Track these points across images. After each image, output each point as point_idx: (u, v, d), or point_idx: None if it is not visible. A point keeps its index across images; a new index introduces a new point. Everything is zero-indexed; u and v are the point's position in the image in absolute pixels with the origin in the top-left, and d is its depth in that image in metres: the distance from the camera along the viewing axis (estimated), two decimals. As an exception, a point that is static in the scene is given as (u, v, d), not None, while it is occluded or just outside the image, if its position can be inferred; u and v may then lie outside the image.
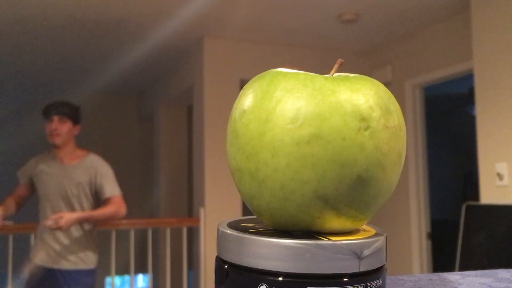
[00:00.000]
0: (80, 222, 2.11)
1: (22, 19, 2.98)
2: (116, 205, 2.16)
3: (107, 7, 2.84)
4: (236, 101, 0.29)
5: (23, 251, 3.08)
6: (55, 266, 2.10)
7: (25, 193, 2.22)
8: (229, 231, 0.26)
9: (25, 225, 3.08)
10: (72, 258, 2.12)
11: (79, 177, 2.15)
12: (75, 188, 2.13)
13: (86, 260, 2.16)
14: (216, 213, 3.27)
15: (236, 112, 0.28)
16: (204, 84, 3.36)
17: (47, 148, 2.26)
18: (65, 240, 2.11)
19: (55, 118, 2.13)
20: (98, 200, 2.21)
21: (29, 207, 2.51)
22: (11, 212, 2.18)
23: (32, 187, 2.21)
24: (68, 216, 2.04)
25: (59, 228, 2.04)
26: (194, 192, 3.61)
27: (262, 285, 0.24)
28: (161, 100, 4.56)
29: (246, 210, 3.38)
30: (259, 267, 0.24)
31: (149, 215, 4.79)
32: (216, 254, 0.28)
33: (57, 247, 2.11)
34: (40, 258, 2.12)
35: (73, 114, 2.20)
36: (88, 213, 2.13)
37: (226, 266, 0.26)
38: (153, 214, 4.73)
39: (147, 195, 4.88)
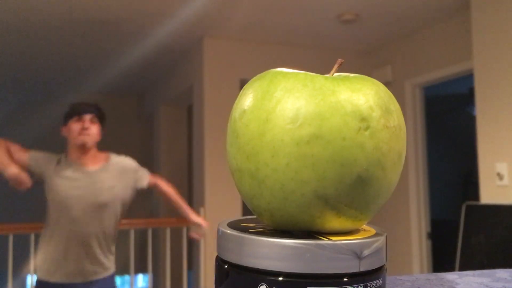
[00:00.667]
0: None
1: (22, 20, 2.98)
2: (163, 182, 2.18)
3: (107, 8, 2.84)
4: (236, 101, 0.29)
5: (23, 251, 3.08)
6: (83, 280, 1.90)
7: (22, 164, 1.91)
8: (229, 231, 0.26)
9: (25, 225, 3.08)
10: (99, 267, 1.94)
11: (110, 181, 1.96)
12: (107, 192, 1.94)
13: (110, 266, 2.00)
14: (216, 213, 3.27)
15: (236, 112, 0.28)
16: (204, 84, 3.36)
17: (51, 148, 2.09)
18: (94, 252, 1.92)
19: (87, 117, 1.95)
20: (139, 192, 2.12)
21: (29, 207, 2.50)
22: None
23: (31, 177, 1.88)
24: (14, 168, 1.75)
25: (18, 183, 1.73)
26: (194, 192, 3.61)
27: (262, 285, 0.24)
28: (161, 100, 4.56)
29: (246, 210, 3.38)
30: (259, 267, 0.24)
31: (149, 215, 4.79)
32: (216, 254, 0.28)
33: (86, 259, 1.90)
34: (64, 274, 1.88)
35: (102, 117, 2.04)
36: (183, 204, 2.19)
37: (226, 266, 0.26)
38: (153, 214, 4.72)
39: (147, 195, 4.87)
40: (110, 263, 1.99)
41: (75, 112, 1.97)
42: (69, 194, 1.89)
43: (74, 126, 1.94)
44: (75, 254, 1.88)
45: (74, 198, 1.88)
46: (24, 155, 1.92)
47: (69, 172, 1.92)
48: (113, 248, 2.04)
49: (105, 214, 1.94)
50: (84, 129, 1.93)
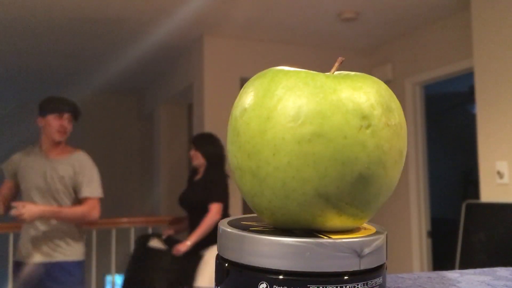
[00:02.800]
0: (45, 216, 2.00)
1: (21, 19, 2.98)
2: (89, 207, 2.07)
3: (107, 6, 2.83)
4: (237, 99, 0.29)
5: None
6: (43, 260, 2.04)
7: (11, 190, 2.12)
8: (229, 229, 0.26)
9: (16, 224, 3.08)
10: (60, 250, 2.06)
11: (63, 171, 2.07)
12: (58, 182, 2.06)
13: (74, 251, 2.10)
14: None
15: (237, 110, 0.28)
16: (204, 82, 3.36)
17: (32, 142, 2.19)
18: (52, 233, 2.06)
19: (66, 116, 2.11)
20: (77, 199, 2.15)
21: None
22: None
23: (17, 183, 2.12)
24: (30, 207, 1.93)
25: (21, 218, 1.91)
26: (194, 190, 3.61)
27: (263, 283, 0.24)
28: (161, 98, 4.56)
29: (246, 208, 3.38)
30: (259, 265, 0.24)
31: (150, 213, 4.79)
32: (216, 252, 0.28)
33: (44, 240, 2.05)
34: (27, 254, 2.05)
35: (78, 114, 2.18)
36: (53, 208, 2.02)
37: (226, 265, 0.26)
38: (153, 212, 4.73)
39: (147, 193, 4.88)
40: (75, 250, 2.10)
41: (56, 108, 2.12)
42: (30, 181, 2.06)
43: (54, 122, 2.10)
44: (36, 237, 2.05)
45: (33, 184, 2.05)
46: (4, 185, 2.13)
47: (32, 161, 2.10)
48: (80, 236, 2.15)
49: (61, 202, 2.07)
50: (63, 127, 2.09)
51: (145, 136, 5.17)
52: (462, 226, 2.22)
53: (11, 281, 2.92)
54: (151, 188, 4.79)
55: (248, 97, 0.28)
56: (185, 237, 2.47)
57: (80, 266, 2.14)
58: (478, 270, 0.42)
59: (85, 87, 4.70)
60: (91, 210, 2.07)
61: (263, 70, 0.30)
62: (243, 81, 3.36)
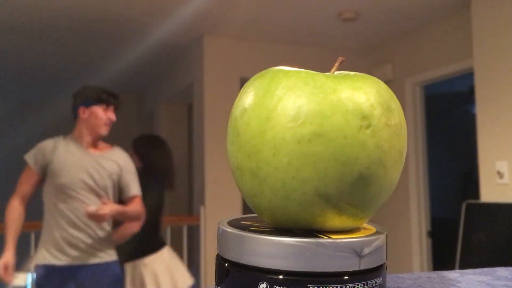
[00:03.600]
0: (117, 216, 1.89)
1: (21, 19, 2.98)
2: (140, 205, 1.99)
3: (107, 6, 2.83)
4: (237, 99, 0.29)
5: (23, 250, 3.08)
6: (84, 263, 1.87)
7: (35, 185, 1.91)
8: (229, 229, 0.26)
9: (25, 223, 3.07)
10: (100, 253, 1.91)
11: (110, 168, 1.93)
12: (107, 178, 1.91)
13: (111, 253, 1.96)
14: (217, 211, 3.27)
15: (237, 110, 0.28)
16: (204, 82, 3.36)
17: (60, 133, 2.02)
18: (92, 238, 1.89)
19: (112, 108, 1.98)
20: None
21: (29, 206, 2.48)
22: (19, 232, 1.88)
23: (43, 177, 1.89)
24: (111, 206, 1.83)
25: (100, 217, 1.79)
26: (194, 190, 3.61)
27: (263, 283, 0.24)
28: (161, 98, 4.56)
29: (246, 209, 3.38)
30: (259, 265, 0.24)
31: (149, 213, 4.79)
32: (216, 253, 0.28)
33: (87, 242, 1.88)
34: (66, 257, 1.86)
35: (119, 108, 2.05)
36: (124, 207, 1.91)
37: (226, 265, 0.26)
38: (153, 212, 4.72)
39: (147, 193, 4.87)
40: (110, 249, 1.96)
41: (104, 100, 1.96)
42: (79, 177, 1.86)
43: (101, 114, 1.93)
44: (75, 238, 1.86)
45: (82, 180, 1.87)
46: (28, 177, 1.90)
47: (76, 155, 1.90)
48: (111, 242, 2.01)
49: (103, 199, 1.91)
50: (110, 121, 1.95)
51: (145, 136, 5.16)
52: (462, 226, 2.22)
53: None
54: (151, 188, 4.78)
55: (248, 97, 0.28)
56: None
57: (117, 265, 1.99)
58: (478, 270, 0.42)
59: (85, 87, 4.69)
60: (142, 209, 1.99)
61: (263, 70, 0.30)
62: (243, 81, 3.36)
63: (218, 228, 0.28)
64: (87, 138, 1.94)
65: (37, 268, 1.86)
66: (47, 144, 1.91)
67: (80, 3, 2.78)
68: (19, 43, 3.47)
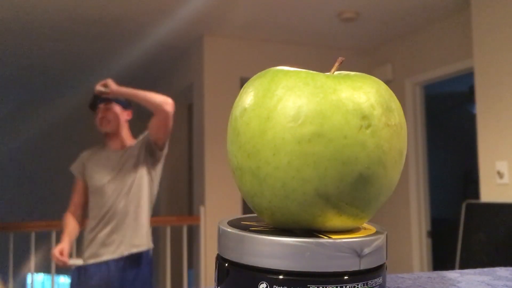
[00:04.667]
0: (127, 94, 1.99)
1: (22, 19, 2.98)
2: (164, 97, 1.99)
3: (107, 6, 2.83)
4: (237, 99, 0.29)
5: (23, 250, 3.08)
6: (111, 257, 1.95)
7: (85, 190, 2.04)
8: (229, 230, 0.26)
9: (26, 224, 3.08)
10: (128, 242, 1.97)
11: (133, 155, 2.01)
12: (131, 166, 1.99)
13: (142, 241, 2.02)
14: (217, 211, 3.27)
15: (237, 110, 0.28)
16: (204, 82, 3.36)
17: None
18: (121, 225, 1.97)
19: (101, 107, 2.04)
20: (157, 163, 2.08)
21: (29, 207, 2.51)
22: (75, 237, 2.04)
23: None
24: (113, 84, 1.95)
25: (107, 92, 1.92)
26: (194, 190, 3.61)
27: (263, 283, 0.24)
28: (161, 98, 4.56)
29: (246, 209, 3.38)
30: (259, 265, 0.24)
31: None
32: (216, 253, 0.28)
33: (112, 234, 1.96)
34: (93, 252, 1.96)
35: (119, 98, 2.08)
36: (133, 90, 2.01)
37: (226, 265, 0.26)
38: (153, 212, 4.72)
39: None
40: (138, 239, 2.01)
41: (91, 107, 2.08)
42: (102, 176, 1.99)
43: (95, 118, 2.06)
44: (113, 233, 1.96)
45: (105, 178, 1.99)
46: (77, 186, 2.06)
47: (100, 158, 2.03)
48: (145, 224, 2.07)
49: (132, 190, 1.99)
50: (100, 119, 2.03)
51: (145, 136, 5.16)
52: (462, 226, 2.22)
53: (11, 281, 2.92)
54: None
55: (248, 97, 0.28)
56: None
57: (149, 255, 2.05)
58: (477, 270, 0.42)
59: (85, 87, 4.70)
60: (167, 99, 1.98)
61: (263, 70, 0.30)
62: (243, 81, 3.36)
63: (218, 228, 0.28)
64: (104, 139, 2.08)
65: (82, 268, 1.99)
66: (84, 153, 2.11)
67: (80, 4, 2.78)
68: (19, 43, 3.47)
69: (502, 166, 2.38)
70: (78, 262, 2.01)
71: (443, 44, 3.10)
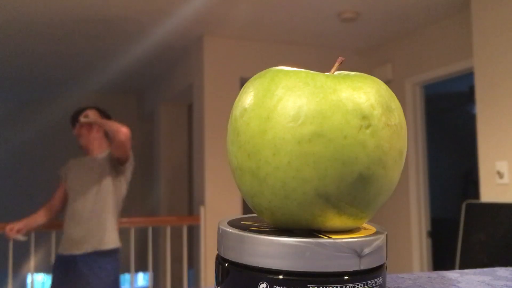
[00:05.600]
0: (98, 122, 2.35)
1: (21, 18, 2.97)
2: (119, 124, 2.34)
3: (107, 6, 2.83)
4: (237, 99, 0.29)
5: (23, 250, 3.08)
6: (77, 252, 2.26)
7: (65, 193, 2.40)
8: (229, 229, 0.26)
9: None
10: (96, 239, 2.27)
11: (101, 165, 2.35)
12: (99, 176, 2.32)
13: (110, 240, 2.31)
14: (217, 211, 3.27)
15: (237, 110, 0.28)
16: (204, 82, 3.36)
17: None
18: (87, 225, 2.28)
19: (77, 125, 2.41)
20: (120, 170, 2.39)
21: (28, 207, 2.53)
22: (35, 224, 2.42)
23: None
24: (91, 114, 2.37)
25: (90, 121, 2.36)
26: (194, 190, 3.61)
27: (263, 283, 0.24)
28: (161, 98, 4.56)
29: (246, 209, 3.38)
30: (259, 265, 0.24)
31: (150, 213, 4.79)
32: (216, 253, 0.28)
33: (82, 232, 2.27)
34: (64, 247, 2.30)
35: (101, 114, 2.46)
36: (102, 120, 2.37)
37: (226, 265, 0.26)
38: (153, 212, 4.73)
39: (148, 193, 4.88)
40: (107, 237, 2.31)
41: (72, 120, 2.44)
42: (75, 179, 2.35)
43: (74, 131, 2.43)
44: (75, 231, 2.29)
45: (78, 180, 2.35)
46: (59, 189, 2.44)
47: (77, 162, 2.42)
48: (114, 224, 2.37)
49: (99, 196, 2.32)
50: (76, 136, 2.41)
51: (145, 136, 5.17)
52: (462, 226, 2.22)
53: (10, 281, 2.92)
54: (151, 188, 4.79)
55: (248, 97, 0.28)
56: None
57: (117, 253, 2.34)
58: (478, 270, 0.42)
59: (85, 87, 4.70)
60: (122, 126, 2.32)
61: (263, 70, 0.30)
62: (243, 81, 3.36)
63: (218, 228, 0.28)
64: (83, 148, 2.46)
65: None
66: (70, 160, 2.48)
67: (80, 4, 2.78)
68: (19, 43, 3.46)
69: (502, 166, 2.38)
70: (22, 238, 2.39)
71: (443, 44, 3.10)
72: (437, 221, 3.42)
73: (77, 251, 2.25)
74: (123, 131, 2.30)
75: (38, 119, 4.86)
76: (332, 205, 0.26)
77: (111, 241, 2.31)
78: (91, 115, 2.39)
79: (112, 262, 2.31)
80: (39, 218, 2.41)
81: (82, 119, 2.37)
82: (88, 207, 2.29)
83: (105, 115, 2.50)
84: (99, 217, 2.30)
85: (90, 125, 2.42)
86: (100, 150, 2.42)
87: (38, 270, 4.24)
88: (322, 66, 3.60)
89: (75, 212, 2.29)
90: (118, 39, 3.41)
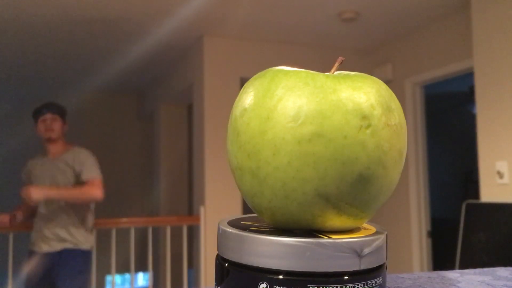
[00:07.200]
0: (50, 196, 2.28)
1: (21, 18, 2.97)
2: (91, 186, 2.31)
3: (107, 6, 2.83)
4: (237, 99, 0.29)
5: (23, 250, 3.08)
6: (50, 250, 2.33)
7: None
8: (229, 229, 0.26)
9: (27, 224, 3.07)
10: (64, 239, 2.33)
11: (64, 166, 2.37)
12: (61, 176, 2.35)
13: (80, 240, 2.37)
14: (217, 211, 3.27)
15: (237, 110, 0.28)
16: (204, 82, 3.36)
17: (41, 149, 2.47)
18: (58, 224, 2.34)
19: (48, 116, 2.38)
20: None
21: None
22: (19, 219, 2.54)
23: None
24: (35, 189, 2.25)
25: (29, 198, 2.23)
26: (194, 190, 3.61)
27: (263, 283, 0.24)
28: (161, 98, 4.56)
29: (246, 209, 3.38)
30: (259, 265, 0.24)
31: (150, 213, 4.79)
32: (216, 253, 0.28)
33: (51, 231, 2.34)
34: (38, 245, 2.36)
35: (62, 112, 2.44)
36: (56, 188, 2.31)
37: (226, 265, 0.26)
38: (153, 212, 4.73)
39: (148, 193, 4.88)
40: (75, 238, 2.36)
41: (37, 114, 2.41)
42: (40, 180, 2.37)
43: (39, 125, 2.40)
44: (45, 228, 2.35)
45: (42, 182, 2.36)
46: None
47: (40, 163, 2.42)
48: (80, 225, 2.41)
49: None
50: (47, 126, 2.37)
51: (145, 136, 5.17)
52: (462, 226, 2.22)
53: (10, 281, 2.92)
54: (151, 188, 4.79)
55: (248, 97, 0.28)
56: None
57: (83, 255, 2.38)
58: (478, 270, 0.42)
59: (85, 87, 4.70)
60: (94, 189, 2.30)
61: (263, 70, 0.30)
62: (243, 81, 3.36)
63: (218, 228, 0.28)
64: (44, 149, 2.45)
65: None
66: (29, 161, 2.51)
67: (80, 4, 2.78)
68: (19, 43, 3.46)
69: (502, 166, 2.38)
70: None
71: (443, 44, 3.10)
72: (437, 221, 3.42)
73: (47, 249, 2.33)
74: (96, 197, 2.32)
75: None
76: (332, 205, 0.26)
77: (83, 241, 2.37)
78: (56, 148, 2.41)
79: (81, 261, 2.37)
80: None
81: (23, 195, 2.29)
82: (54, 207, 2.33)
83: (64, 113, 2.47)
84: (69, 217, 2.35)
85: (60, 118, 2.42)
86: (66, 146, 2.44)
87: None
88: (322, 66, 3.59)
89: (44, 212, 2.35)
90: (118, 39, 3.41)
